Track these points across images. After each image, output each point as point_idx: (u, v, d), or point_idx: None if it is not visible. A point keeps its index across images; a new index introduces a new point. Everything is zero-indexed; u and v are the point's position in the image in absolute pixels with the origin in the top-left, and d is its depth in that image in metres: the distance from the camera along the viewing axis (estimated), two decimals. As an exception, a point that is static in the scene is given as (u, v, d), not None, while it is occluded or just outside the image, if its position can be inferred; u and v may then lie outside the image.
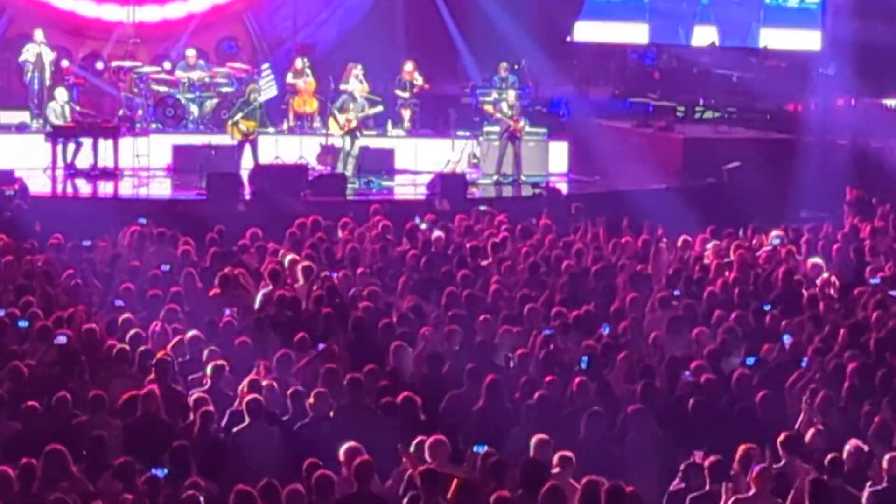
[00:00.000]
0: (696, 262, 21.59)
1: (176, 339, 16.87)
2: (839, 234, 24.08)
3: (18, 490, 12.55)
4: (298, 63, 30.88)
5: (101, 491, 12.82)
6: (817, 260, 21.68)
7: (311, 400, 14.93)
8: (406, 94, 30.95)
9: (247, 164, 28.28)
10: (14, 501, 12.39)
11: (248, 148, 28.49)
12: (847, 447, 14.01)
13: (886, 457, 13.81)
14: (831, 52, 33.84)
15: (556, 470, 13.21)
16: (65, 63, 30.44)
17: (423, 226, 23.53)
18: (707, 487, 13.24)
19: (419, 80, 31.06)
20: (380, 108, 29.70)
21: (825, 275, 20.86)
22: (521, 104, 30.08)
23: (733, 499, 12.99)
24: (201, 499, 12.46)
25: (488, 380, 15.42)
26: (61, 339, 16.49)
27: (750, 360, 16.84)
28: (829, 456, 13.77)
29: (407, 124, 31.21)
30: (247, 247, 21.67)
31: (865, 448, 14.22)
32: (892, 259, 22.21)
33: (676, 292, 19.80)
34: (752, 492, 13.13)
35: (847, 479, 13.46)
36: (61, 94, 28.80)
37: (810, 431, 14.64)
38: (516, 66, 31.53)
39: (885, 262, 21.97)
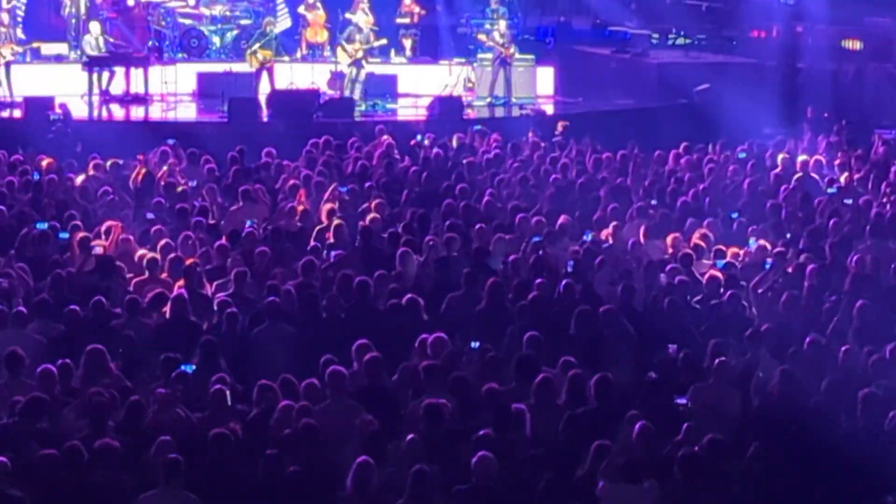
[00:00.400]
0: (671, 175, 21.50)
1: (203, 249, 16.80)
2: (799, 148, 24.01)
3: (60, 385, 12.53)
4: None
5: (137, 386, 12.78)
6: (779, 171, 21.58)
7: (325, 302, 14.88)
8: (407, 21, 30.80)
9: (264, 89, 28.15)
10: (57, 396, 12.35)
11: (265, 75, 28.42)
12: (807, 340, 13.99)
13: (842, 349, 13.83)
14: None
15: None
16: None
17: (426, 142, 23.49)
18: (681, 379, 13.21)
19: (417, 9, 30.93)
20: (384, 41, 29.52)
21: (786, 185, 20.75)
22: (511, 33, 29.94)
23: (693, 387, 12.93)
24: (227, 392, 12.42)
25: (488, 283, 15.37)
26: (98, 249, 16.43)
27: (720, 263, 16.79)
28: (791, 349, 13.76)
29: (409, 52, 31.10)
30: (266, 164, 21.57)
31: (823, 341, 14.20)
32: (847, 171, 22.11)
33: (653, 201, 19.73)
34: (710, 381, 13.09)
35: (807, 370, 13.42)
36: (95, 27, 28.63)
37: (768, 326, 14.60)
38: (506, -2, 31.34)
39: (840, 174, 21.88)
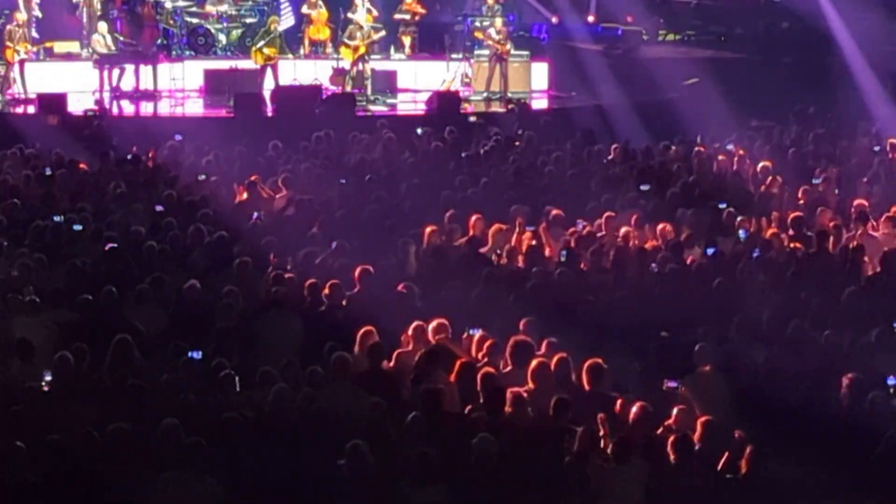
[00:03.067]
0: (661, 167, 21.49)
1: (208, 239, 16.79)
2: (786, 139, 23.99)
3: (75, 370, 12.54)
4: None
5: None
6: (766, 163, 21.55)
7: (327, 290, 14.88)
8: (407, 17, 30.74)
9: (268, 85, 28.17)
10: (72, 381, 12.36)
11: (269, 71, 28.41)
12: (790, 325, 13.98)
13: (824, 334, 13.81)
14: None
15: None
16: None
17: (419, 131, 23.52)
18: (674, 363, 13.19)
19: (418, 7, 30.92)
20: (383, 32, 29.53)
21: (772, 176, 20.73)
22: (507, 30, 29.94)
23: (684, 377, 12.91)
24: (237, 379, 12.42)
25: (484, 271, 15.37)
26: (110, 241, 16.44)
27: (710, 251, 16.76)
28: (777, 335, 13.75)
29: (408, 49, 31.11)
30: (271, 158, 21.55)
31: (807, 326, 14.18)
32: (832, 162, 22.07)
33: (645, 187, 19.69)
34: (698, 368, 13.02)
35: (790, 354, 13.41)
36: (102, 26, 28.64)
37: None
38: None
39: (826, 165, 21.84)
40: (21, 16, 27.77)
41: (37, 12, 29.03)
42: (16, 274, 15.20)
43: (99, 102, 24.85)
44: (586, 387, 12.40)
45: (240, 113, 26.15)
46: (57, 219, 17.22)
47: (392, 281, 15.26)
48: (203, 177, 19.99)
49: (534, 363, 12.56)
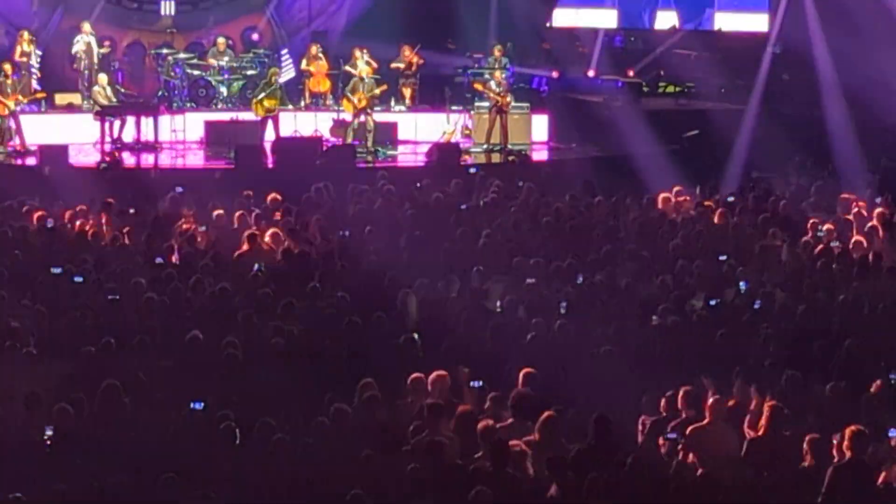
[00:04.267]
0: (662, 218, 21.55)
1: (212, 289, 16.84)
2: (787, 192, 24.06)
3: (74, 420, 12.57)
4: (313, 49, 30.88)
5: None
6: (767, 214, 21.63)
7: (328, 342, 14.92)
8: (402, 66, 30.89)
9: (269, 136, 28.29)
10: (71, 429, 12.39)
11: (270, 123, 28.54)
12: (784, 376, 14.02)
13: (828, 386, 13.82)
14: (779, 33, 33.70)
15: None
16: (105, 49, 30.30)
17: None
18: (683, 415, 13.19)
19: (415, 59, 31.08)
20: (385, 87, 29.66)
21: (773, 228, 20.80)
22: (508, 82, 30.09)
23: (690, 427, 12.89)
24: (237, 431, 12.46)
25: (490, 324, 15.41)
26: (112, 293, 16.51)
27: (713, 302, 16.80)
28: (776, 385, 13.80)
29: (409, 101, 31.25)
30: (270, 210, 21.62)
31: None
32: (832, 214, 22.13)
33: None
34: (706, 420, 13.01)
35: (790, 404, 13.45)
36: (102, 78, 28.71)
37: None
38: (505, 49, 31.43)
39: (828, 217, 21.85)
40: (9, 67, 27.84)
41: (35, 65, 29.17)
42: (16, 325, 15.25)
43: (111, 154, 25.01)
44: (592, 440, 12.39)
45: (240, 164, 26.25)
46: (57, 270, 17.26)
47: (393, 333, 15.31)
48: (180, 189, 19.92)
49: (543, 416, 12.54)
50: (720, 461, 12.31)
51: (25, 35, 29.45)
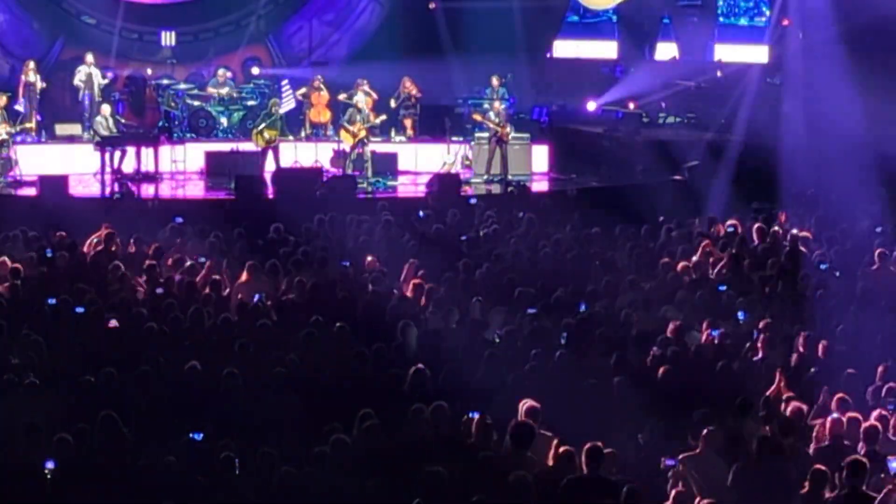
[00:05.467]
0: (662, 249, 21.62)
1: (211, 322, 16.90)
2: (786, 223, 24.10)
3: (75, 451, 12.62)
4: (315, 80, 31.06)
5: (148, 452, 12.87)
6: (767, 245, 21.70)
7: (329, 372, 14.97)
8: (395, 104, 30.98)
9: (269, 167, 28.40)
10: (72, 460, 12.44)
11: (270, 153, 28.66)
12: (789, 408, 14.07)
13: (829, 418, 13.87)
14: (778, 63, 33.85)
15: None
16: (106, 80, 30.44)
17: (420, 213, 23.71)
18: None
19: (415, 91, 31.21)
20: (384, 117, 29.80)
21: (772, 259, 20.87)
22: (507, 112, 30.21)
23: (681, 455, 12.98)
24: (237, 460, 12.51)
25: (486, 354, 15.47)
26: (113, 323, 16.57)
27: (715, 333, 16.84)
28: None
29: (409, 132, 31.37)
30: (273, 240, 21.70)
31: (804, 408, 14.25)
32: (833, 246, 22.16)
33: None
34: (698, 450, 13.10)
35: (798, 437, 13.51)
36: (105, 109, 28.91)
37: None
38: (504, 80, 31.57)
39: (829, 249, 21.92)
40: (1, 100, 27.95)
41: (38, 86, 29.32)
42: (16, 357, 15.29)
43: (124, 185, 25.19)
44: (585, 470, 12.46)
45: (241, 195, 26.34)
46: (56, 301, 17.32)
47: (393, 363, 15.37)
48: (180, 220, 20.45)
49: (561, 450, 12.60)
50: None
51: (31, 65, 29.62)
